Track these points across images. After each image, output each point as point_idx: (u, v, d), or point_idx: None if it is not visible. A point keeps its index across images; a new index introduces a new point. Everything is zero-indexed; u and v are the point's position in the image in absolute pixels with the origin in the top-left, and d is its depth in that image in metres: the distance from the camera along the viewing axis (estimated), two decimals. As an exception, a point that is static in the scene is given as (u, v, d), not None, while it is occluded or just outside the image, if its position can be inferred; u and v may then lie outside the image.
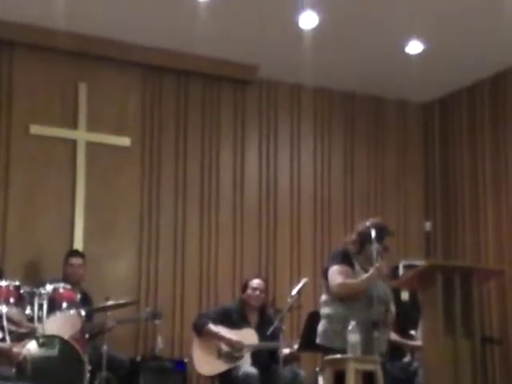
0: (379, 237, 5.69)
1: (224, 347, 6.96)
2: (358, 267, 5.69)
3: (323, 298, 5.82)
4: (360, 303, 5.58)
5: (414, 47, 8.06)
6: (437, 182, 9.43)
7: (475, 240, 8.80)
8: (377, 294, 5.56)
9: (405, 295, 8.04)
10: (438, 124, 9.54)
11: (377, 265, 5.56)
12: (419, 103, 9.69)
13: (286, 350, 6.86)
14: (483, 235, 8.71)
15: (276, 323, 6.66)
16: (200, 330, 7.04)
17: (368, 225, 5.78)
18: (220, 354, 6.97)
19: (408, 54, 8.14)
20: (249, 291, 7.24)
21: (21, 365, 5.33)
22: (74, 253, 7.55)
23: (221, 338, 6.97)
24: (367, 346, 5.42)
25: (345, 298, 5.62)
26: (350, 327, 5.33)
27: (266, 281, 7.52)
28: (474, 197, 8.90)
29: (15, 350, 5.41)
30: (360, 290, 5.57)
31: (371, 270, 5.57)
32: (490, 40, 7.89)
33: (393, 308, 5.78)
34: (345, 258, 5.74)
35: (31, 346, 5.86)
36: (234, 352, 6.95)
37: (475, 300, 5.67)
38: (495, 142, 8.75)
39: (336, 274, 5.66)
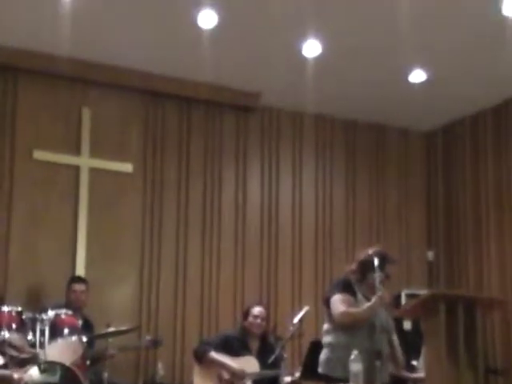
0: (381, 265, 5.67)
1: (225, 375, 6.93)
2: (360, 296, 5.67)
3: (325, 326, 5.79)
4: (362, 332, 5.55)
5: (417, 76, 8.09)
6: (439, 211, 9.43)
7: (478, 269, 8.78)
8: (379, 323, 5.54)
9: (407, 324, 8.00)
10: (441, 152, 9.55)
11: (379, 293, 5.54)
12: (422, 132, 9.71)
13: (288, 379, 6.84)
14: (486, 265, 8.70)
15: (277, 351, 6.65)
16: (201, 358, 7.01)
17: (370, 253, 5.76)
18: (221, 382, 6.93)
19: (411, 83, 8.17)
20: (250, 319, 7.22)
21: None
22: (77, 279, 7.54)
23: (222, 366, 6.94)
24: (369, 375, 5.37)
25: (347, 326, 5.60)
26: (352, 356, 5.29)
27: (267, 308, 7.50)
28: (477, 226, 8.89)
29: (16, 376, 5.37)
30: (363, 319, 5.55)
31: (374, 299, 5.54)
32: (492, 70, 7.92)
33: (395, 337, 5.76)
34: (346, 287, 5.71)
35: (33, 372, 5.83)
36: (235, 380, 6.91)
37: (479, 330, 5.64)
38: (498, 171, 8.76)
39: (338, 303, 5.63)
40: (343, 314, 5.58)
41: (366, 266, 5.73)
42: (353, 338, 5.53)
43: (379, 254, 5.75)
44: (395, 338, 5.77)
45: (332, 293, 5.72)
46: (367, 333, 5.53)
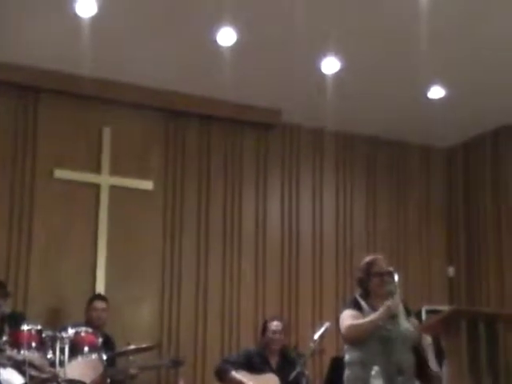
0: (375, 271, 5.64)
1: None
2: (367, 310, 5.61)
3: (345, 346, 5.78)
4: (375, 346, 5.47)
5: (436, 92, 8.10)
6: (460, 227, 9.39)
7: (499, 285, 8.73)
8: (398, 335, 5.46)
9: (427, 341, 7.95)
10: (461, 168, 9.53)
11: (388, 303, 5.49)
12: (442, 148, 9.69)
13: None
14: (508, 280, 8.65)
15: (298, 368, 6.62)
16: (223, 377, 7.01)
17: (360, 266, 5.75)
18: (242, 401, 6.93)
19: (430, 99, 8.17)
20: (269, 334, 7.22)
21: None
22: (98, 297, 7.56)
23: None
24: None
25: (357, 342, 5.55)
26: (373, 372, 5.26)
27: (284, 321, 7.49)
28: (498, 241, 8.85)
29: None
30: (368, 330, 5.47)
31: (380, 309, 5.51)
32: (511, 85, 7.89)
33: (426, 347, 5.70)
34: (352, 303, 5.69)
35: (54, 391, 5.85)
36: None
37: (501, 347, 5.58)
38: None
39: (344, 320, 5.62)
40: (348, 328, 5.56)
41: (361, 279, 5.72)
42: (365, 353, 5.48)
43: (368, 263, 5.72)
44: (427, 347, 5.71)
45: (340, 312, 5.73)
46: (381, 347, 5.47)
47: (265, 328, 7.29)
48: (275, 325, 7.27)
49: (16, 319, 6.63)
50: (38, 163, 7.93)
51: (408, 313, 5.77)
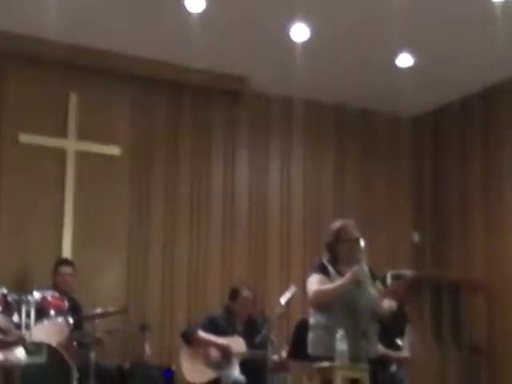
0: (343, 237, 5.70)
1: (213, 355, 6.95)
2: (334, 274, 5.66)
3: (310, 309, 5.83)
4: (341, 311, 5.53)
5: (405, 60, 8.11)
6: (426, 194, 9.48)
7: (464, 251, 8.83)
8: (364, 302, 5.54)
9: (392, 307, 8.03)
10: (429, 137, 9.59)
11: (354, 269, 5.55)
12: (410, 117, 9.74)
13: (275, 358, 6.86)
14: (472, 247, 8.75)
15: (264, 331, 6.67)
16: (190, 338, 7.05)
17: (330, 231, 5.79)
18: (208, 362, 6.97)
19: (399, 67, 8.18)
20: (238, 302, 7.24)
21: (9, 372, 5.30)
22: (64, 261, 7.54)
23: (211, 344, 6.98)
24: (354, 354, 5.38)
25: (323, 306, 5.61)
26: (338, 335, 5.32)
27: (253, 289, 7.52)
28: (464, 208, 8.95)
29: (2, 356, 5.38)
30: (334, 295, 5.52)
31: (347, 275, 5.56)
32: (480, 54, 7.93)
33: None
34: (319, 268, 5.73)
35: (19, 353, 5.84)
36: (222, 360, 6.95)
37: (463, 311, 5.68)
38: (485, 155, 8.80)
39: (311, 284, 5.68)
40: (314, 292, 5.62)
41: (329, 244, 5.77)
42: (330, 317, 5.55)
43: (337, 229, 5.76)
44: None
45: (308, 276, 5.77)
46: (347, 312, 5.53)
47: (236, 295, 7.30)
48: (246, 294, 7.30)
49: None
50: (2, 128, 7.86)
51: (374, 278, 5.83)
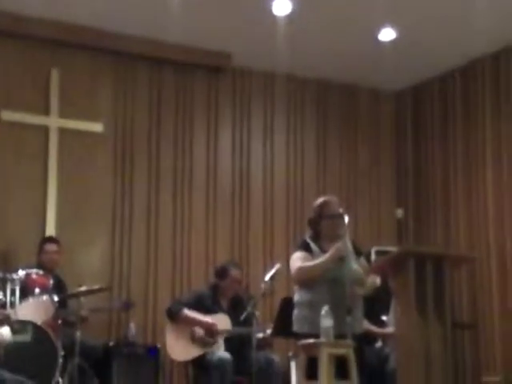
0: (326, 213, 5.71)
1: (198, 333, 6.98)
2: (317, 251, 5.68)
3: (295, 286, 5.86)
4: (323, 287, 5.56)
5: (387, 34, 8.11)
6: (409, 169, 9.51)
7: (446, 227, 8.89)
8: (348, 276, 5.55)
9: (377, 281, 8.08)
10: (411, 112, 9.61)
11: (337, 245, 5.57)
12: (392, 91, 9.74)
13: (260, 335, 6.90)
14: (454, 222, 8.81)
15: (249, 309, 6.70)
16: (175, 316, 7.05)
17: (313, 207, 5.81)
18: (193, 340, 6.99)
19: (381, 42, 8.18)
20: (227, 281, 7.23)
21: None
22: (49, 239, 7.52)
23: (196, 322, 6.99)
24: (338, 330, 5.40)
25: (306, 283, 5.64)
26: (323, 312, 5.34)
27: (242, 269, 7.55)
28: (446, 184, 8.99)
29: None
30: (317, 271, 5.55)
31: (330, 251, 5.58)
32: (462, 28, 7.93)
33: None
34: (302, 245, 5.77)
35: (4, 332, 5.83)
36: (207, 337, 6.98)
37: (447, 286, 5.70)
38: (467, 130, 8.82)
39: (294, 261, 5.71)
40: (298, 270, 5.66)
41: (312, 220, 5.79)
42: (314, 294, 5.58)
43: (320, 205, 5.78)
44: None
45: (291, 253, 5.80)
46: (331, 288, 5.55)
47: (224, 274, 7.28)
48: (236, 273, 7.29)
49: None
50: (-16, 105, 7.82)
51: (358, 254, 5.85)
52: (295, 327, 5.74)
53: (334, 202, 5.83)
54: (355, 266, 5.70)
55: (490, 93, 8.62)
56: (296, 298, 5.77)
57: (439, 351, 5.50)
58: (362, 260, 5.92)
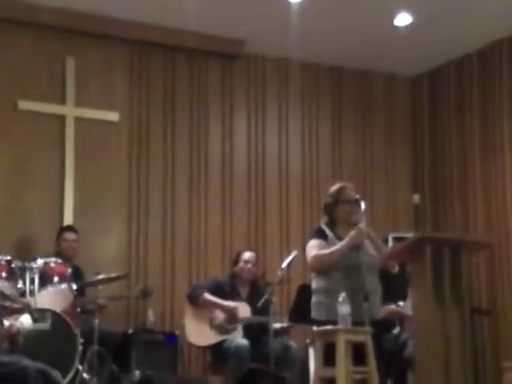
0: (343, 198, 5.70)
1: (217, 319, 7.00)
2: (332, 238, 5.67)
3: (312, 274, 5.86)
4: (339, 273, 5.55)
5: (403, 19, 8.07)
6: (425, 155, 9.47)
7: (464, 212, 8.85)
8: (365, 262, 5.54)
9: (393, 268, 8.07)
10: (427, 97, 9.55)
11: (352, 233, 5.57)
12: (407, 77, 9.69)
13: (277, 325, 6.91)
14: (472, 207, 8.77)
15: (266, 296, 6.71)
16: (196, 299, 7.09)
17: (329, 193, 5.80)
18: (212, 326, 7.02)
19: (397, 27, 8.14)
20: (240, 264, 7.29)
21: (14, 338, 5.32)
22: (68, 228, 7.56)
23: (217, 306, 7.02)
24: (356, 316, 5.40)
25: (323, 270, 5.64)
26: (340, 299, 5.34)
27: (256, 253, 7.56)
28: (463, 169, 8.95)
29: (7, 323, 5.39)
30: (333, 259, 5.55)
31: (345, 239, 5.58)
32: (478, 12, 7.88)
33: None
34: (318, 233, 5.75)
35: (24, 320, 5.87)
36: (226, 324, 7.00)
37: (464, 272, 5.68)
38: (484, 115, 8.77)
39: (310, 249, 5.70)
40: (313, 258, 5.65)
41: (328, 206, 5.78)
42: (330, 280, 5.58)
43: (337, 190, 5.77)
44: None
45: (306, 241, 5.79)
46: (348, 275, 5.55)
47: (237, 258, 7.35)
48: (248, 255, 7.34)
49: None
50: (1, 94, 7.81)
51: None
52: (313, 314, 5.74)
53: (350, 187, 5.83)
54: (371, 251, 5.70)
55: (507, 77, 8.56)
56: (313, 285, 5.77)
57: (457, 337, 5.48)
58: (379, 242, 5.90)
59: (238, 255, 7.38)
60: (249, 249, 7.59)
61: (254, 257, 7.38)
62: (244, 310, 7.08)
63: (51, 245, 7.43)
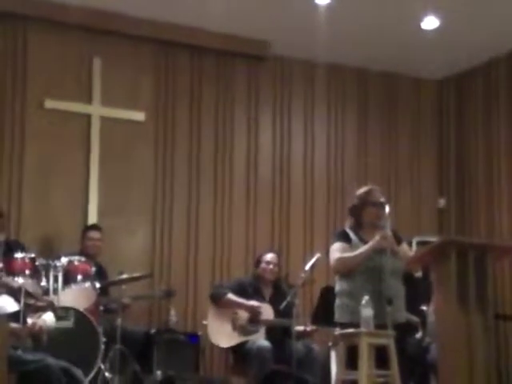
0: (369, 200, 5.68)
1: (240, 319, 6.99)
2: (356, 241, 5.66)
3: (336, 276, 5.85)
4: (362, 277, 5.54)
5: (430, 23, 8.05)
6: (451, 159, 9.43)
7: (489, 217, 8.81)
8: (389, 266, 5.51)
9: (417, 272, 8.04)
10: (453, 101, 9.51)
11: (377, 237, 5.55)
12: (434, 80, 9.66)
13: (300, 328, 6.89)
14: (497, 212, 8.72)
15: (289, 298, 6.70)
16: (219, 299, 7.08)
17: (357, 195, 5.79)
18: (235, 326, 7.02)
19: (424, 30, 8.12)
20: (263, 265, 7.28)
21: (37, 336, 5.35)
22: (93, 227, 7.60)
23: (241, 306, 7.03)
24: (378, 319, 5.38)
25: (346, 273, 5.62)
26: (363, 302, 5.32)
27: (278, 255, 7.55)
28: (489, 173, 8.90)
29: (31, 321, 5.43)
30: (355, 262, 5.53)
31: (370, 242, 5.56)
32: (505, 16, 7.83)
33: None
34: (341, 236, 5.74)
35: (47, 318, 5.90)
36: (249, 326, 7.00)
37: (489, 277, 5.64)
38: (511, 119, 8.72)
39: (333, 252, 5.69)
40: (336, 261, 5.64)
41: (355, 208, 5.76)
42: (353, 283, 5.57)
43: (364, 192, 5.75)
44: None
45: (330, 244, 5.78)
46: (371, 278, 5.53)
47: (259, 259, 7.35)
48: (270, 256, 7.34)
49: (10, 246, 6.68)
50: (28, 93, 7.87)
51: (398, 241, 5.81)
52: (336, 316, 5.73)
53: (377, 190, 5.82)
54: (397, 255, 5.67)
55: (534, 80, 8.52)
56: (337, 287, 5.76)
57: (481, 343, 5.44)
58: (404, 244, 5.88)
59: (260, 256, 7.38)
60: (271, 250, 7.58)
61: (276, 258, 7.37)
62: (267, 311, 7.07)
63: (76, 243, 7.47)
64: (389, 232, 5.61)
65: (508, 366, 8.29)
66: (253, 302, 7.05)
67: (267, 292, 7.26)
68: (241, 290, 7.14)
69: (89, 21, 7.96)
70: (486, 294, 5.55)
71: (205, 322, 7.16)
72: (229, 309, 7.05)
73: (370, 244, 5.56)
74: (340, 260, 5.62)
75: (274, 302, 7.08)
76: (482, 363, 5.34)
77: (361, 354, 5.28)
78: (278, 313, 7.00)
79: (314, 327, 7.00)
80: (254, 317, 7.01)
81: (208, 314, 7.12)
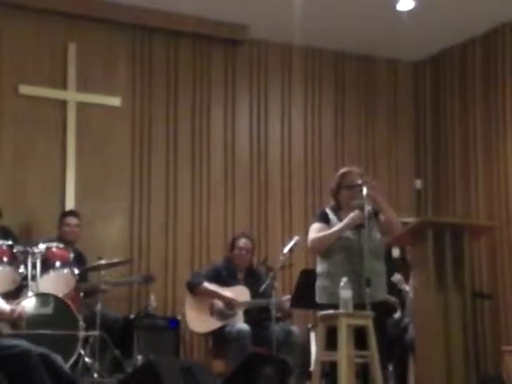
0: (345, 183, 5.70)
1: (217, 305, 7.01)
2: (335, 221, 5.67)
3: (316, 258, 5.86)
4: (339, 257, 5.55)
5: (405, 4, 8.05)
6: (427, 140, 9.46)
7: (466, 197, 8.85)
8: (367, 247, 5.51)
9: (396, 252, 8.09)
10: (430, 82, 9.53)
11: (352, 214, 5.56)
12: (410, 62, 9.67)
13: (278, 314, 6.92)
14: (474, 192, 8.76)
15: (268, 281, 6.72)
16: (195, 289, 7.09)
17: (335, 176, 5.80)
18: (213, 312, 7.03)
19: (399, 12, 8.12)
20: (235, 251, 7.29)
21: (16, 322, 5.33)
22: (71, 213, 7.56)
23: (217, 296, 7.03)
24: (357, 300, 5.38)
25: (322, 251, 5.64)
26: (342, 283, 5.33)
27: (252, 239, 7.53)
28: (465, 154, 8.94)
29: (10, 307, 5.40)
30: (330, 240, 5.53)
31: (344, 220, 5.58)
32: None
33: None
34: (321, 216, 5.75)
35: (26, 304, 5.89)
36: (226, 309, 7.01)
37: (466, 256, 5.68)
38: (487, 100, 8.75)
39: (311, 232, 5.71)
40: (311, 241, 5.66)
41: (333, 190, 5.78)
42: (332, 263, 5.58)
43: (340, 175, 5.76)
44: None
45: (309, 225, 5.80)
46: (346, 256, 5.54)
47: (233, 244, 7.36)
48: (243, 242, 7.32)
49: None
50: (2, 79, 7.82)
51: (376, 215, 5.80)
52: (316, 298, 5.74)
53: (354, 172, 5.80)
54: (376, 234, 5.67)
55: (510, 61, 8.53)
56: (317, 268, 5.76)
57: (458, 321, 5.49)
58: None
59: (234, 241, 7.38)
60: (244, 235, 7.51)
61: (249, 243, 7.35)
62: (243, 293, 7.09)
63: (53, 230, 7.44)
64: (367, 209, 5.59)
65: (485, 344, 8.36)
66: (227, 293, 7.05)
67: (241, 275, 7.28)
68: (216, 276, 7.16)
69: (64, 6, 7.92)
70: (463, 273, 5.60)
71: (183, 311, 7.16)
72: (205, 297, 7.06)
73: (345, 222, 5.57)
74: (315, 239, 5.63)
75: (249, 285, 7.11)
76: (459, 342, 5.40)
77: (340, 335, 5.29)
78: (255, 296, 7.01)
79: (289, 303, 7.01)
80: (230, 307, 7.02)
81: (185, 303, 7.13)
